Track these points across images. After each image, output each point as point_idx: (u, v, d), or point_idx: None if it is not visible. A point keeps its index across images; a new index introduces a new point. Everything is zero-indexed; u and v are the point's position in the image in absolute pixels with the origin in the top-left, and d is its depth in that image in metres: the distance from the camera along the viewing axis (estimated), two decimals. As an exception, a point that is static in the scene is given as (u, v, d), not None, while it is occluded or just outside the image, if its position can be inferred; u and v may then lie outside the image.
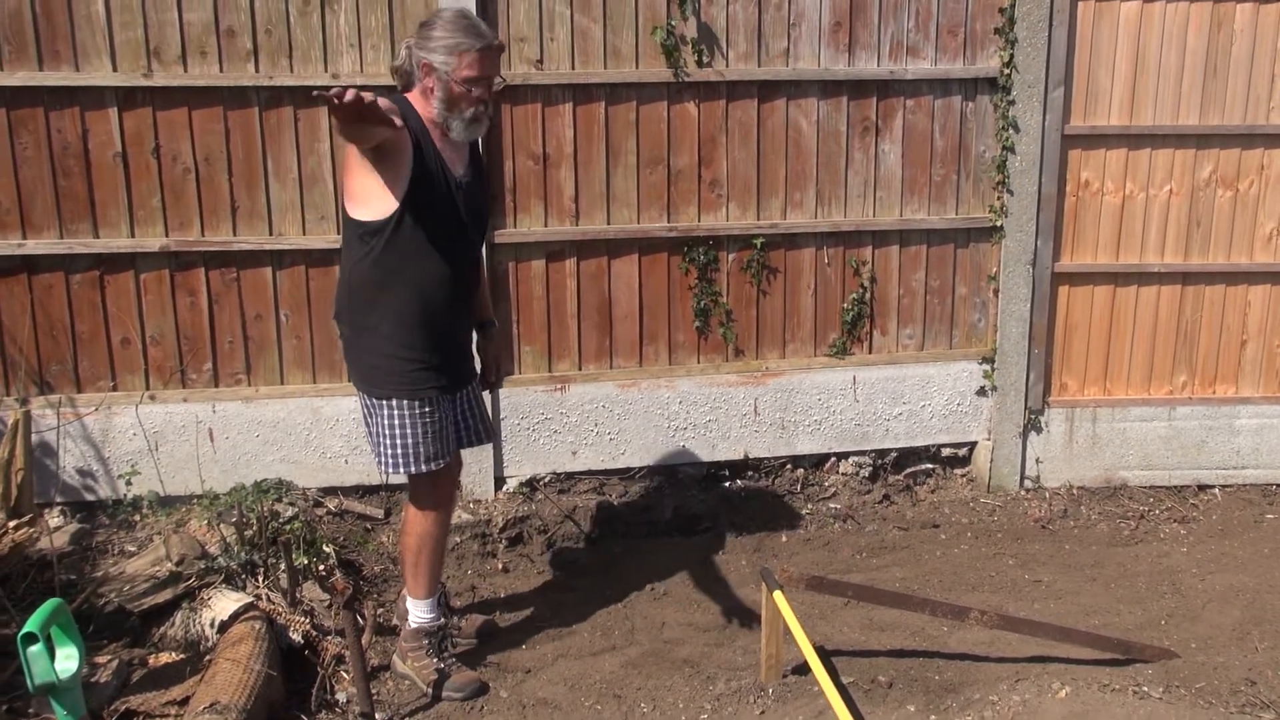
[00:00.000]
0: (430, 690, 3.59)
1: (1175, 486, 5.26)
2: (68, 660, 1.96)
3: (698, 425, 4.92)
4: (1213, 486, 5.28)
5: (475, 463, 4.72)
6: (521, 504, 4.77)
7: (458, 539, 4.60)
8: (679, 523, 4.88)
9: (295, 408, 4.59)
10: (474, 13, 4.26)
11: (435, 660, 3.63)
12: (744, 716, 3.46)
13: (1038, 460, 5.20)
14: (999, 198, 4.97)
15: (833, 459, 5.12)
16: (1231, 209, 5.08)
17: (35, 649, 1.90)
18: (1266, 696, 3.63)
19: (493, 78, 3.35)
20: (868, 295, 5.00)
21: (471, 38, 3.28)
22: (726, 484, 5.01)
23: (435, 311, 3.43)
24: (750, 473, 5.04)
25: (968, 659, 3.86)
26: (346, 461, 4.66)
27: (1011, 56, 4.82)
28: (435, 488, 3.56)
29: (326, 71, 4.41)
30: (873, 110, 4.85)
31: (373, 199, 3.29)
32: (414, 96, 3.38)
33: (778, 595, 3.49)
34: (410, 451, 3.46)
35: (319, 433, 4.61)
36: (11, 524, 2.96)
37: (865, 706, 3.53)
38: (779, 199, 4.86)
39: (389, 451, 3.47)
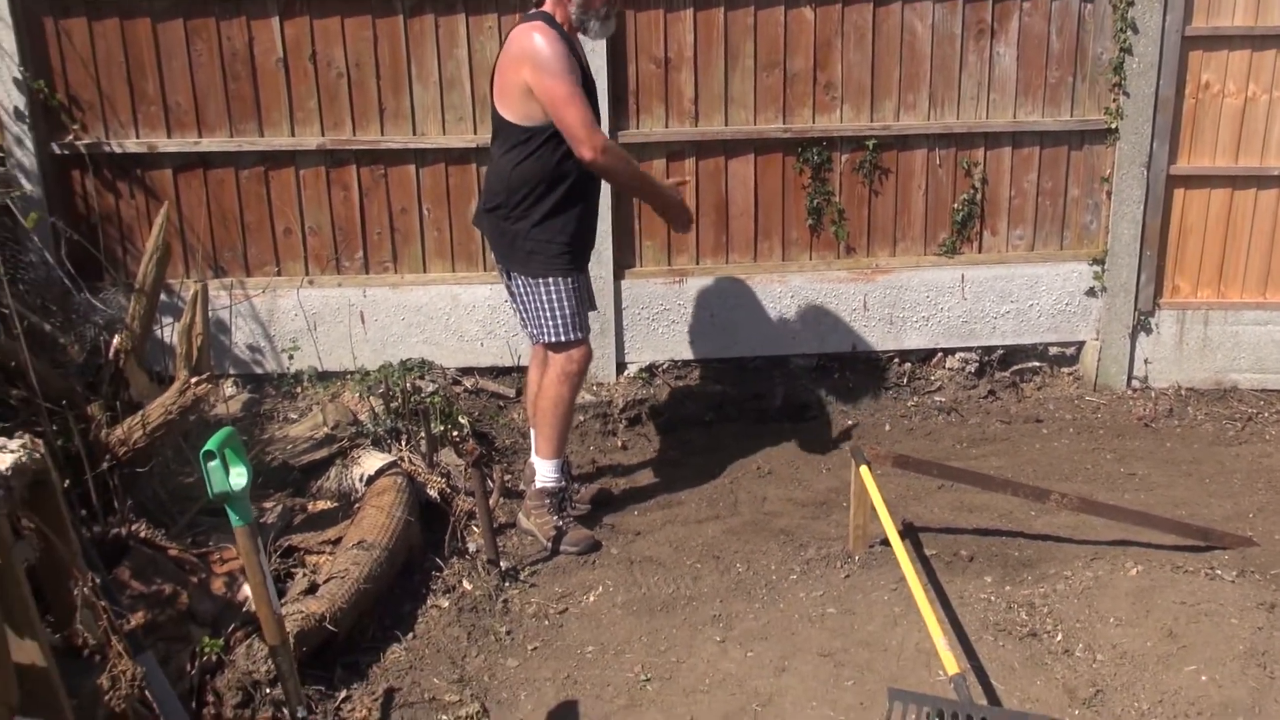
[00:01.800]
0: (549, 544, 4.02)
1: (1288, 391, 5.30)
2: (238, 477, 2.41)
3: (808, 318, 5.18)
4: (1327, 391, 5.30)
5: (598, 348, 5.08)
6: (641, 388, 5.14)
7: (581, 418, 5.01)
8: (788, 410, 5.19)
9: (436, 294, 5.03)
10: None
11: (555, 518, 4.06)
12: (830, 578, 3.79)
13: (1146, 361, 5.30)
14: (1115, 100, 5.02)
15: (939, 354, 5.32)
16: (1362, 111, 5.01)
17: (214, 464, 2.35)
18: (1341, 585, 3.77)
19: None
20: (978, 196, 5.14)
21: None
22: (835, 375, 5.28)
23: (581, 200, 3.92)
24: (858, 365, 5.29)
25: (1050, 540, 4.10)
26: (482, 344, 5.10)
27: (1133, -44, 4.84)
28: (577, 357, 3.98)
29: (465, -19, 4.75)
30: (988, 13, 4.93)
31: (538, 111, 3.73)
32: (550, 6, 3.77)
33: (864, 470, 3.77)
34: (569, 321, 3.93)
35: (457, 317, 5.05)
36: (193, 380, 3.46)
37: (944, 576, 3.82)
38: (892, 101, 5.02)
39: (549, 323, 3.93)
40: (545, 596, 3.77)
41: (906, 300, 5.19)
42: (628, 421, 5.08)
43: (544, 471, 4.10)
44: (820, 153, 5.03)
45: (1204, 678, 3.15)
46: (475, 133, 4.88)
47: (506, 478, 4.49)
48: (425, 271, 5.07)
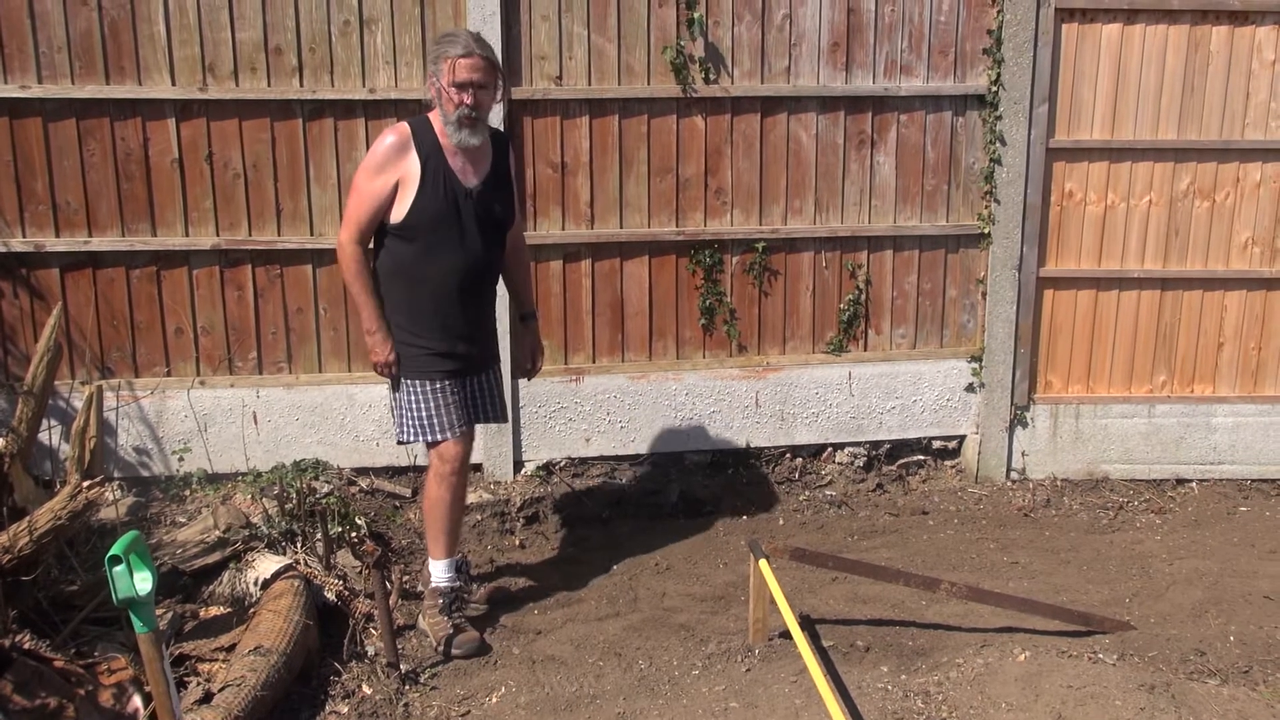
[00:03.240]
0: (440, 646, 3.98)
1: (1154, 480, 5.58)
2: (143, 582, 2.37)
3: (702, 416, 5.29)
4: (1190, 480, 5.60)
5: (496, 447, 5.11)
6: (538, 486, 5.16)
7: (479, 517, 5.00)
8: (684, 505, 5.26)
9: (332, 394, 5.00)
10: (500, 34, 4.70)
11: (446, 619, 4.03)
12: (731, 673, 3.83)
13: (1023, 453, 5.53)
14: (987, 207, 5.32)
15: (829, 449, 5.48)
16: (1209, 219, 5.40)
17: (119, 569, 2.31)
18: (1214, 665, 3.96)
19: (478, 84, 3.74)
20: (863, 297, 5.36)
21: (453, 47, 3.74)
22: (729, 470, 5.39)
23: (441, 305, 3.89)
24: (751, 461, 5.41)
25: (941, 629, 4.22)
26: (378, 444, 5.07)
27: (999, 75, 5.17)
28: (448, 456, 3.96)
29: (364, 86, 4.82)
30: (868, 124, 5.21)
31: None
32: (433, 114, 3.87)
33: (763, 564, 3.85)
34: (425, 423, 3.93)
35: (353, 417, 5.03)
36: (85, 484, 3.38)
37: (842, 666, 3.89)
38: (780, 206, 5.23)
39: (407, 423, 3.96)
40: (447, 699, 3.72)
41: (797, 397, 5.35)
42: (525, 520, 5.08)
43: (436, 572, 4.09)
44: (712, 255, 5.20)
45: (1093, 759, 3.26)
46: (373, 234, 4.92)
47: (405, 578, 4.44)
48: (321, 371, 5.05)
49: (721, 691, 3.73)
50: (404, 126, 3.81)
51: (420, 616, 4.11)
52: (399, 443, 4.06)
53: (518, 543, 4.99)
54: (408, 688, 3.75)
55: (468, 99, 3.74)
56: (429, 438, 3.94)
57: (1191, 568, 4.78)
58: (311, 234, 4.91)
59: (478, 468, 5.15)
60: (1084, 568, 4.81)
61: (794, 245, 5.28)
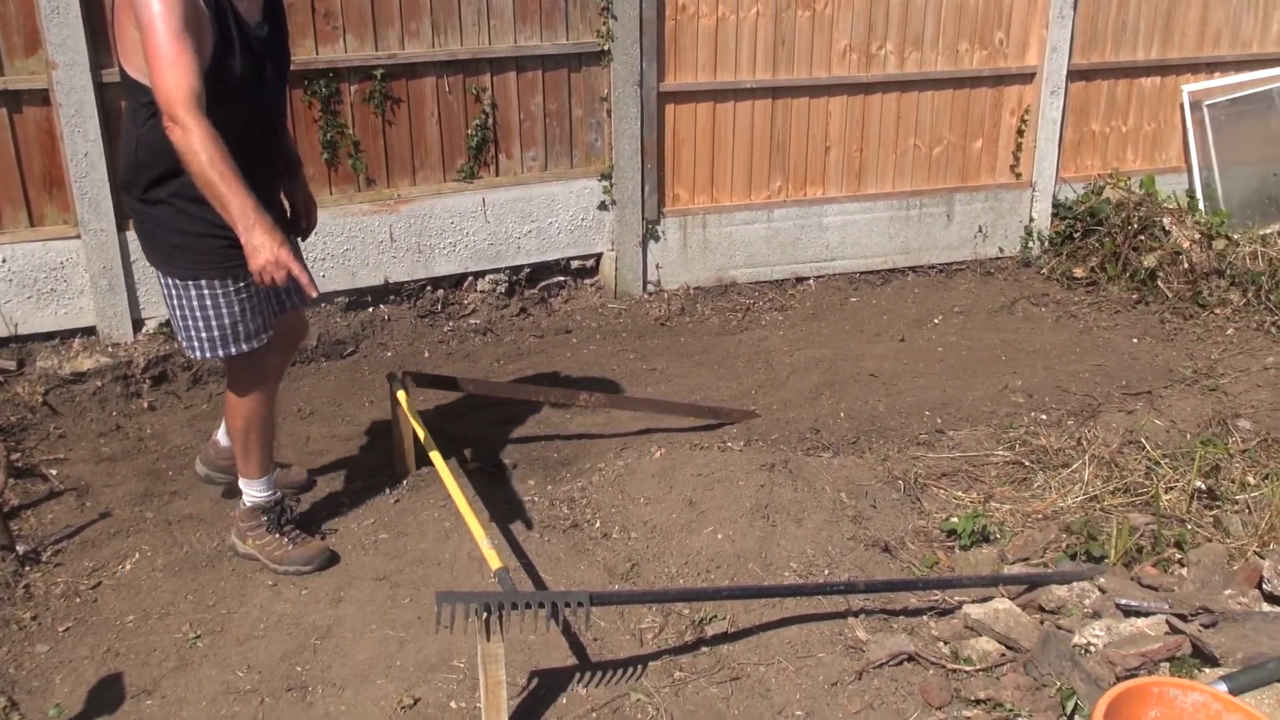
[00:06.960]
0: (279, 567, 3.49)
1: (777, 280, 5.96)
2: None
3: (335, 255, 5.10)
4: (808, 278, 6.03)
5: (110, 306, 4.73)
6: (163, 344, 4.83)
7: (99, 383, 4.64)
8: (324, 349, 5.10)
9: (-98, 264, 4.43)
10: None
11: (278, 536, 3.53)
12: (379, 505, 3.83)
13: (657, 266, 5.74)
14: (605, 23, 5.32)
15: (470, 278, 5.45)
16: (811, 28, 5.67)
17: None
18: (827, 440, 4.36)
19: None
20: (490, 121, 5.28)
21: None
22: (369, 309, 5.26)
23: (245, 172, 2.93)
24: (392, 296, 5.30)
25: (584, 438, 4.38)
26: (-32, 315, 4.57)
27: (605, -116, 5.12)
28: (259, 365, 3.34)
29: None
30: (478, -62, 5.05)
31: None
32: None
33: (401, 395, 3.82)
34: (229, 332, 3.21)
35: (-68, 288, 4.48)
36: None
37: (490, 486, 3.98)
38: (395, 29, 5.01)
39: (203, 334, 3.20)
40: (74, 574, 3.50)
41: (432, 228, 5.25)
42: (152, 380, 4.76)
43: (252, 490, 3.52)
44: (328, 85, 4.93)
45: (720, 535, 3.53)
46: (-74, 77, 4.31)
47: (14, 456, 4.08)
48: (-116, 239, 4.44)
49: (371, 525, 3.73)
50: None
51: (237, 540, 3.57)
52: (191, 357, 3.33)
53: (146, 405, 4.68)
54: (28, 569, 3.50)
55: None
56: (235, 349, 3.22)
57: (809, 356, 5.19)
58: None
59: (91, 331, 4.76)
60: (715, 367, 5.11)
61: (414, 71, 5.09)
